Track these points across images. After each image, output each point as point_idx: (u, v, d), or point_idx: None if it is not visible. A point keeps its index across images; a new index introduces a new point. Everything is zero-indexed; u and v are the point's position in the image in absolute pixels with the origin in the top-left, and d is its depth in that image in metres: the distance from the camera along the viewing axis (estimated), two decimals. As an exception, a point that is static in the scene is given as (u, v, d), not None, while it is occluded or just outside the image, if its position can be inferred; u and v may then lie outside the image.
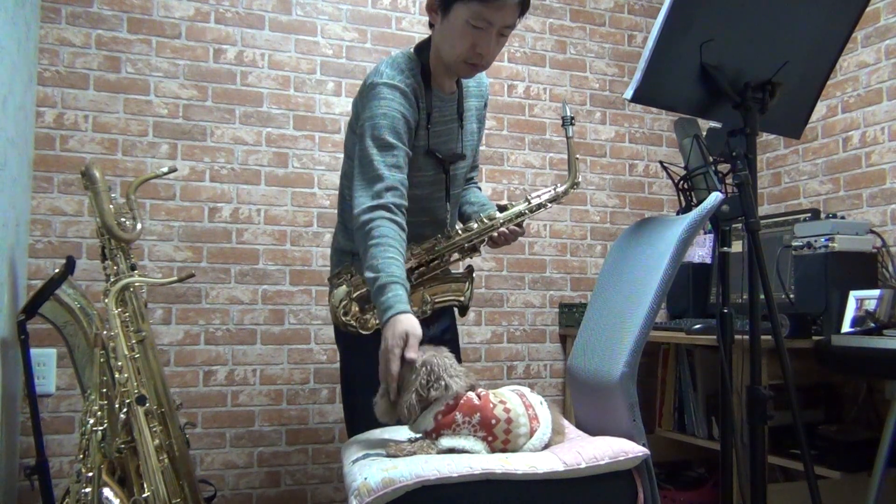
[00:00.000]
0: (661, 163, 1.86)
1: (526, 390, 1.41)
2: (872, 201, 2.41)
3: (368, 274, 1.48)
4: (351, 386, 1.77)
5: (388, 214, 1.51)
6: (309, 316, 2.50)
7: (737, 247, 1.73)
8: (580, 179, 1.80)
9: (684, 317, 2.67)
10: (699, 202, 1.49)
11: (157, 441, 1.73)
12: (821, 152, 2.62)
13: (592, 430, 1.48)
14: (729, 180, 1.55)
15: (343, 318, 1.62)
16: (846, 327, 2.03)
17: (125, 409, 1.71)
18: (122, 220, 1.90)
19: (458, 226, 1.73)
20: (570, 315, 2.74)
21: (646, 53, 1.48)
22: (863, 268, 2.23)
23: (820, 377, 2.23)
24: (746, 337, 1.54)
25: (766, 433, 1.58)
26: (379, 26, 2.64)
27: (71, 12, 2.29)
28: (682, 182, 1.65)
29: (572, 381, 1.60)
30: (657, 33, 1.46)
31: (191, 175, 2.40)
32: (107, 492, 1.68)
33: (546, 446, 1.34)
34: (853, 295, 2.07)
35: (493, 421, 1.31)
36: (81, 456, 1.68)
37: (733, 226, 1.59)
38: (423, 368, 1.33)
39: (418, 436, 1.34)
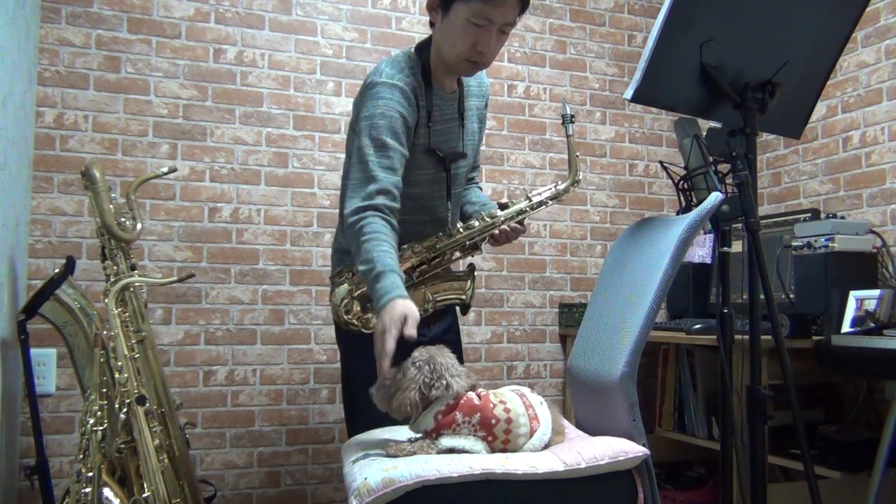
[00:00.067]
0: (661, 163, 1.86)
1: (526, 390, 1.41)
2: (872, 201, 2.41)
3: (363, 266, 1.49)
4: (352, 385, 1.77)
5: (378, 214, 1.52)
6: (309, 316, 2.50)
7: (737, 247, 1.73)
8: (581, 177, 1.80)
9: (684, 317, 2.67)
10: (699, 202, 1.49)
11: (157, 441, 1.74)
12: (821, 152, 2.62)
13: (592, 430, 1.48)
14: (729, 180, 1.55)
15: (345, 317, 1.62)
16: (846, 327, 2.03)
17: (125, 409, 1.71)
18: (122, 220, 1.90)
19: (460, 224, 1.73)
20: (570, 315, 2.74)
21: (646, 53, 1.48)
22: (863, 268, 2.23)
23: (820, 377, 2.23)
24: (746, 337, 1.54)
25: (766, 433, 1.58)
26: (379, 26, 2.64)
27: (71, 12, 2.29)
28: (682, 182, 1.65)
29: (572, 381, 1.60)
30: (657, 33, 1.46)
31: (191, 175, 2.40)
32: (107, 492, 1.68)
33: (546, 446, 1.34)
34: (853, 295, 2.07)
35: (494, 421, 1.31)
36: (81, 456, 1.68)
37: (733, 226, 1.59)
38: (426, 367, 1.33)
39: (418, 436, 1.34)
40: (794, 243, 2.29)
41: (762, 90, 1.54)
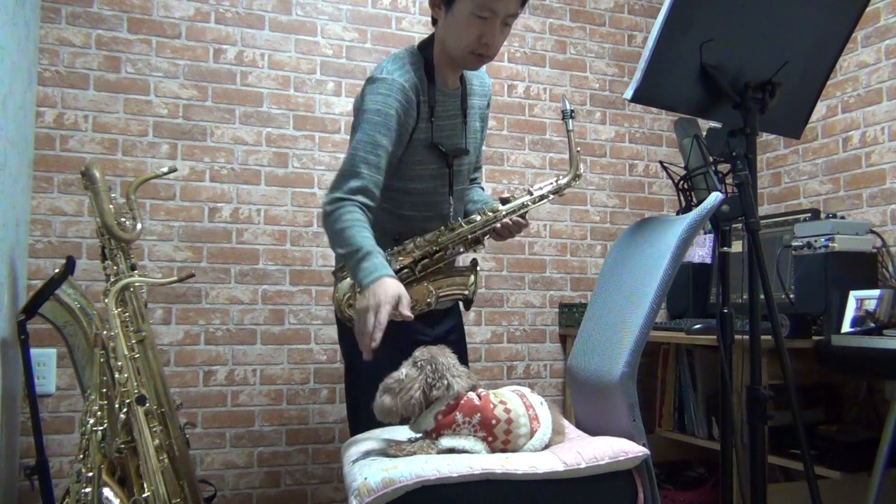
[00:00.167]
0: (661, 163, 1.86)
1: (526, 391, 1.41)
2: (872, 201, 2.41)
3: (344, 249, 1.52)
4: (355, 385, 1.77)
5: (356, 204, 1.55)
6: (309, 316, 2.50)
7: (737, 247, 1.73)
8: (582, 171, 1.80)
9: (684, 317, 2.67)
10: (699, 202, 1.49)
11: (157, 441, 1.74)
12: (821, 152, 2.62)
13: (592, 430, 1.48)
14: (729, 180, 1.55)
15: (347, 312, 1.62)
16: (846, 327, 2.03)
17: (125, 409, 1.71)
18: (122, 220, 1.90)
19: (461, 219, 1.74)
20: (570, 315, 2.74)
21: (646, 53, 1.48)
22: (863, 268, 2.23)
23: (820, 377, 2.24)
24: (746, 337, 1.54)
25: (766, 433, 1.58)
26: (379, 26, 2.64)
27: (71, 12, 2.29)
28: (682, 182, 1.65)
29: (572, 381, 1.60)
30: (657, 33, 1.46)
31: (191, 175, 2.40)
32: (107, 492, 1.68)
33: (546, 446, 1.34)
34: (853, 295, 2.07)
35: (494, 421, 1.31)
36: (81, 456, 1.68)
37: (733, 226, 1.59)
38: (428, 367, 1.33)
39: (418, 436, 1.34)
40: (794, 243, 2.29)
41: (762, 90, 1.54)
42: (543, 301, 2.82)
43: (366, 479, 1.19)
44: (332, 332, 2.51)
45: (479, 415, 1.30)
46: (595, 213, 2.92)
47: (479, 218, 1.71)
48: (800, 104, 1.68)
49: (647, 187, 3.00)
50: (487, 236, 1.75)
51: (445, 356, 1.37)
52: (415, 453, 1.29)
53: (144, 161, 2.36)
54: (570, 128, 1.75)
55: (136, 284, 1.85)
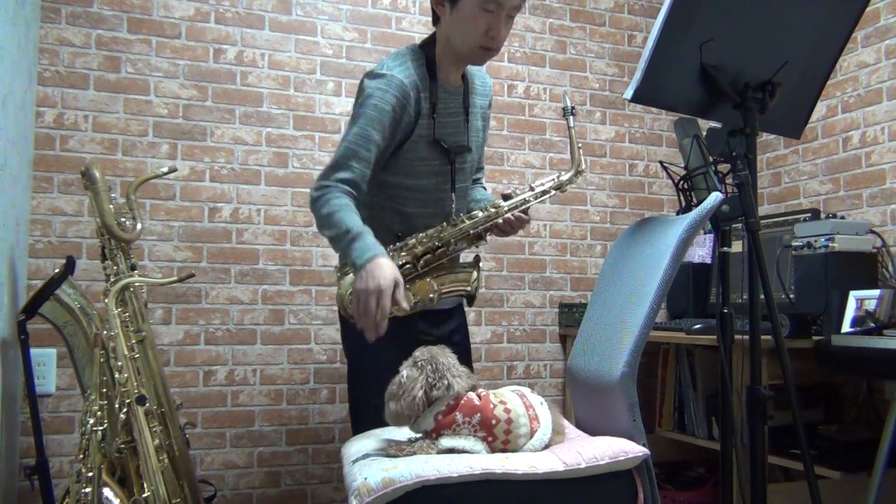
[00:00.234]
0: (661, 163, 1.86)
1: (526, 391, 1.41)
2: (872, 201, 2.41)
3: (333, 231, 1.56)
4: (357, 382, 1.77)
5: (342, 192, 1.60)
6: (309, 316, 2.50)
7: (737, 247, 1.73)
8: (584, 167, 1.80)
9: (684, 317, 2.67)
10: (699, 202, 1.49)
11: (157, 441, 1.74)
12: (821, 152, 2.62)
13: (592, 430, 1.48)
14: (729, 180, 1.55)
15: (350, 308, 1.63)
16: (846, 327, 2.03)
17: (125, 409, 1.71)
18: (122, 220, 1.90)
19: (463, 214, 1.74)
20: (570, 315, 2.74)
21: (646, 53, 1.48)
22: (863, 268, 2.23)
23: (820, 377, 2.23)
24: (746, 337, 1.54)
25: (766, 433, 1.58)
26: (379, 26, 2.64)
27: (71, 12, 2.29)
28: (682, 182, 1.65)
29: (572, 381, 1.60)
30: (657, 33, 1.46)
31: (191, 175, 2.40)
32: (107, 492, 1.68)
33: (546, 446, 1.34)
34: (853, 295, 2.07)
35: (494, 421, 1.31)
36: (81, 456, 1.68)
37: (733, 226, 1.59)
38: (428, 367, 1.34)
39: (418, 436, 1.34)
40: (794, 243, 2.29)
41: (762, 90, 1.54)
42: (543, 301, 2.82)
43: (366, 479, 1.19)
44: (332, 332, 2.51)
45: (479, 415, 1.31)
46: (595, 213, 2.92)
47: (480, 214, 1.72)
48: (800, 104, 1.68)
49: (647, 187, 3.00)
50: (490, 233, 1.75)
51: (446, 356, 1.37)
52: (415, 453, 1.29)
53: (144, 161, 2.36)
54: (572, 124, 1.75)
55: (136, 284, 1.85)
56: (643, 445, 1.31)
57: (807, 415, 2.21)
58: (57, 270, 1.80)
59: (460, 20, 1.64)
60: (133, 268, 1.89)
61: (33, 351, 1.84)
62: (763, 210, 2.81)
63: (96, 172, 1.86)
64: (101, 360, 1.73)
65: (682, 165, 1.67)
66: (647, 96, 1.52)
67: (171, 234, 2.37)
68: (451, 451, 1.29)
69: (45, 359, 2.19)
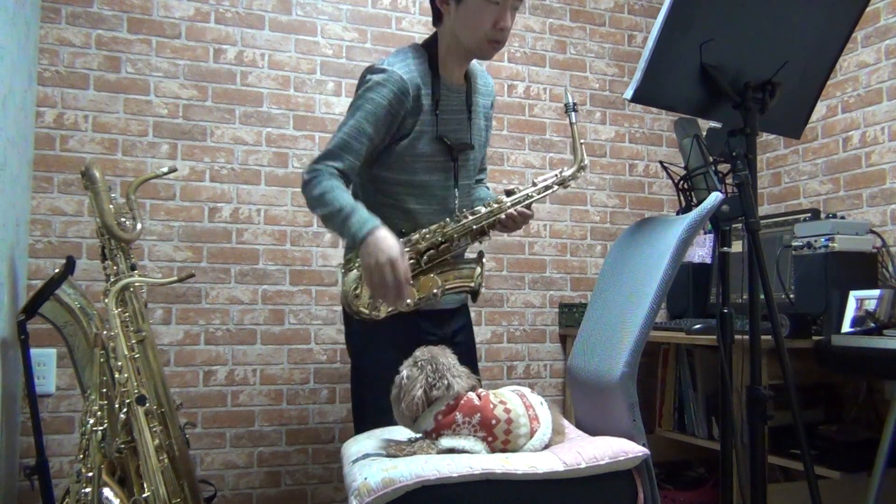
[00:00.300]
0: (661, 163, 1.86)
1: (526, 391, 1.41)
2: (872, 201, 2.41)
3: (325, 210, 1.59)
4: (361, 381, 1.77)
5: (333, 175, 1.63)
6: (309, 316, 2.50)
7: (737, 247, 1.73)
8: (587, 163, 1.80)
9: (684, 317, 2.67)
10: (699, 202, 1.49)
11: (157, 441, 1.74)
12: (821, 152, 2.62)
13: (592, 430, 1.48)
14: (729, 180, 1.55)
15: (355, 302, 1.63)
16: (846, 327, 2.03)
17: (125, 409, 1.71)
18: (122, 220, 1.90)
19: (466, 210, 1.74)
20: (570, 315, 2.74)
21: (646, 53, 1.48)
22: (863, 268, 2.23)
23: (820, 377, 2.23)
24: (746, 337, 1.54)
25: (766, 433, 1.58)
26: (379, 26, 2.64)
27: (71, 12, 2.29)
28: (682, 182, 1.65)
29: (572, 381, 1.60)
30: (657, 33, 1.46)
31: (191, 175, 2.40)
32: (107, 492, 1.68)
33: (546, 446, 1.34)
34: (853, 295, 2.07)
35: (494, 421, 1.31)
36: (81, 456, 1.68)
37: (733, 226, 1.59)
38: (428, 367, 1.34)
39: (418, 436, 1.34)
40: (794, 243, 2.29)
41: (762, 90, 1.54)
42: (543, 301, 2.82)
43: (366, 479, 1.19)
44: (333, 332, 2.51)
45: (478, 415, 1.31)
46: (595, 213, 2.92)
47: (483, 209, 1.72)
48: (800, 104, 1.68)
49: (647, 187, 3.00)
50: (493, 228, 1.75)
51: (446, 356, 1.37)
52: (415, 453, 1.29)
53: (144, 161, 2.36)
54: (574, 120, 1.75)
55: (136, 284, 1.85)
56: (643, 445, 1.31)
57: (807, 415, 2.20)
58: (57, 270, 1.80)
59: (467, 15, 1.66)
60: (133, 268, 1.89)
61: (33, 351, 1.85)
62: (763, 210, 2.81)
63: (96, 172, 1.86)
64: (101, 360, 1.73)
65: (682, 165, 1.67)
66: (647, 96, 1.52)
67: (171, 234, 2.37)
68: (451, 451, 1.29)
69: (45, 359, 2.19)
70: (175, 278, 1.93)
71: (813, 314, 2.14)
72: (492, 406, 1.32)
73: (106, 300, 1.78)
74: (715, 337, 1.68)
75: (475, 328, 2.69)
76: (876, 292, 2.03)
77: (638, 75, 1.49)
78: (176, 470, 1.81)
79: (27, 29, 2.08)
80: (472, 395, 1.34)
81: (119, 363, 1.72)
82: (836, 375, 2.24)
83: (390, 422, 1.47)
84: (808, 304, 2.19)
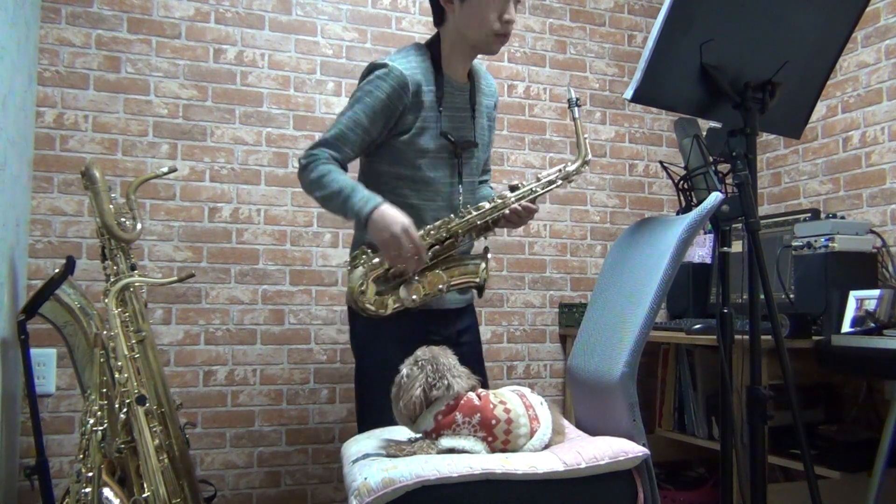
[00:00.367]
0: (661, 163, 1.86)
1: (526, 391, 1.41)
2: (872, 201, 2.41)
3: (324, 192, 1.65)
4: (364, 379, 1.78)
5: (329, 159, 1.69)
6: (309, 316, 2.50)
7: (737, 247, 1.73)
8: (591, 157, 1.80)
9: (684, 317, 2.67)
10: (699, 202, 1.49)
11: (157, 441, 1.73)
12: (821, 152, 2.62)
13: (592, 430, 1.48)
14: (729, 180, 1.55)
15: (361, 298, 1.64)
16: (846, 327, 2.03)
17: (125, 409, 1.71)
18: (122, 220, 1.90)
19: (470, 206, 1.76)
20: (570, 315, 2.74)
21: (646, 53, 1.48)
22: (863, 268, 2.23)
23: (820, 377, 2.23)
24: (746, 337, 1.54)
25: (766, 433, 1.58)
26: (379, 26, 2.64)
27: (71, 12, 2.29)
28: (682, 182, 1.65)
29: (572, 381, 1.60)
30: (657, 33, 1.46)
31: (191, 175, 2.40)
32: (107, 492, 1.68)
33: (546, 446, 1.34)
34: (853, 295, 2.07)
35: (494, 421, 1.31)
36: (81, 456, 1.68)
37: (733, 226, 1.59)
38: (429, 366, 1.34)
39: (418, 436, 1.34)
40: (794, 243, 2.29)
41: (762, 90, 1.54)
42: (543, 301, 2.82)
43: (366, 479, 1.19)
44: (333, 332, 2.51)
45: (478, 415, 1.31)
46: (595, 213, 2.92)
47: (488, 205, 1.73)
48: (800, 104, 1.68)
49: (647, 187, 3.00)
50: (499, 224, 1.76)
51: (447, 356, 1.37)
52: (415, 453, 1.29)
53: (144, 161, 2.36)
54: (577, 115, 1.76)
55: (136, 284, 1.85)
56: (643, 445, 1.31)
57: (807, 415, 2.21)
58: (57, 270, 1.80)
59: (472, 11, 1.69)
60: (133, 268, 1.89)
61: (33, 351, 1.85)
62: (763, 210, 2.81)
63: (96, 172, 1.86)
64: (101, 360, 1.73)
65: (682, 165, 1.67)
66: (647, 96, 1.52)
67: (171, 234, 2.37)
68: (451, 451, 1.29)
69: (45, 359, 2.19)
70: (175, 278, 1.93)
71: (813, 314, 2.14)
72: (492, 406, 1.32)
73: (106, 300, 1.78)
74: (715, 337, 1.68)
75: (475, 328, 2.71)
76: (876, 292, 2.03)
77: (638, 75, 1.49)
78: (176, 470, 1.81)
79: (27, 29, 2.08)
80: (471, 395, 1.34)
81: (119, 363, 1.72)
82: (836, 375, 2.24)
83: (393, 421, 1.47)
84: (808, 304, 2.19)
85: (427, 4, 1.82)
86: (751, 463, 1.52)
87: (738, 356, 1.65)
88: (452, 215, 1.72)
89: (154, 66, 2.38)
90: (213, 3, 2.45)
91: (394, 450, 1.32)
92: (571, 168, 1.77)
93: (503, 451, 1.31)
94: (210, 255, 2.41)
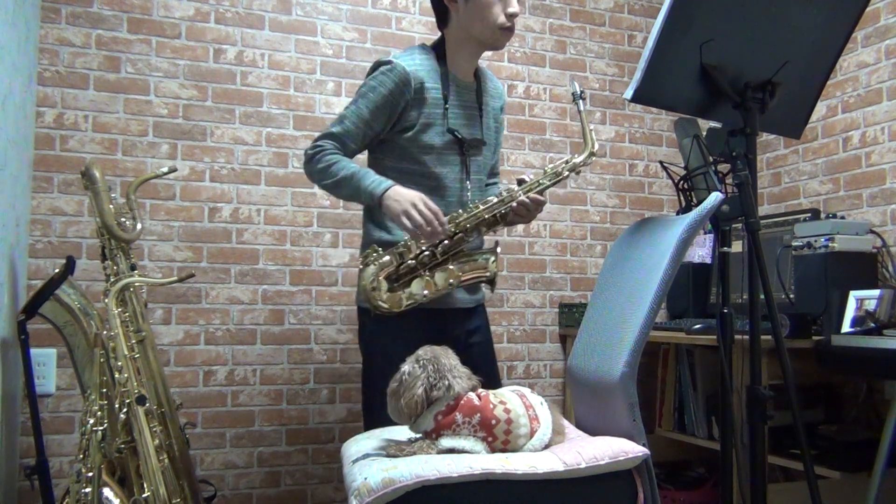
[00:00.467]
0: (661, 163, 1.86)
1: (526, 391, 1.41)
2: (872, 201, 2.41)
3: (333, 179, 1.71)
4: (371, 377, 1.78)
5: (335, 151, 1.75)
6: (309, 316, 2.50)
7: (737, 247, 1.73)
8: (597, 149, 1.81)
9: (684, 317, 2.67)
10: (699, 202, 1.49)
11: (157, 441, 1.73)
12: (821, 152, 2.62)
13: (592, 430, 1.48)
14: (729, 180, 1.55)
15: (374, 295, 1.65)
16: (846, 327, 2.03)
17: (125, 409, 1.71)
18: (122, 220, 1.90)
19: (478, 200, 1.77)
20: (570, 315, 2.74)
21: (646, 53, 1.48)
22: (863, 268, 2.23)
23: (820, 377, 2.23)
24: (746, 337, 1.54)
25: (766, 433, 1.58)
26: (379, 26, 2.64)
27: (71, 12, 2.29)
28: (682, 182, 1.65)
29: (572, 381, 1.60)
30: (657, 33, 1.46)
31: (191, 175, 2.40)
32: (107, 492, 1.68)
33: (546, 446, 1.34)
34: (853, 295, 2.07)
35: (494, 421, 1.31)
36: (81, 456, 1.68)
37: (733, 226, 1.59)
38: (430, 366, 1.34)
39: (418, 436, 1.34)
40: (794, 243, 2.29)
41: (762, 90, 1.54)
42: (543, 301, 2.82)
43: (366, 479, 1.19)
44: (333, 332, 2.51)
45: (478, 415, 1.30)
46: (595, 213, 2.92)
47: (495, 199, 1.74)
48: (800, 104, 1.68)
49: (647, 187, 3.00)
50: (507, 220, 1.77)
51: (448, 357, 1.37)
52: (415, 453, 1.29)
53: (144, 161, 2.36)
54: (581, 108, 1.78)
55: (136, 284, 1.85)
56: (643, 445, 1.31)
57: (807, 415, 2.20)
58: (57, 270, 1.80)
59: (477, 7, 1.73)
60: (133, 268, 1.89)
61: (33, 351, 1.85)
62: (763, 210, 2.81)
63: (96, 172, 1.86)
64: (101, 360, 1.73)
65: (682, 165, 1.67)
66: (647, 96, 1.52)
67: (171, 234, 2.37)
68: (451, 451, 1.28)
69: (45, 359, 2.19)
70: (175, 278, 1.93)
71: (813, 314, 2.14)
72: (492, 406, 1.32)
73: (106, 300, 1.78)
74: (715, 337, 1.68)
75: (475, 328, 2.70)
76: (876, 292, 2.03)
77: (638, 75, 1.49)
78: (176, 470, 1.81)
79: (27, 29, 2.08)
80: (471, 395, 1.34)
81: (119, 363, 1.72)
82: (836, 375, 2.24)
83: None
84: (808, 304, 2.19)
85: (427, 4, 1.83)
86: (751, 463, 1.52)
87: (738, 356, 1.66)
88: (461, 210, 1.74)
89: (154, 66, 2.38)
90: (213, 3, 2.45)
91: (394, 450, 1.32)
92: (579, 159, 1.78)
93: (503, 451, 1.31)
94: (210, 255, 2.41)
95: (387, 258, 1.68)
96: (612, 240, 2.90)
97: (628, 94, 1.50)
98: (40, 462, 1.78)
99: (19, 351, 1.81)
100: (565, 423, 1.50)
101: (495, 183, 2.02)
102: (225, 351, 2.40)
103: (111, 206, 1.86)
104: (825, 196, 2.59)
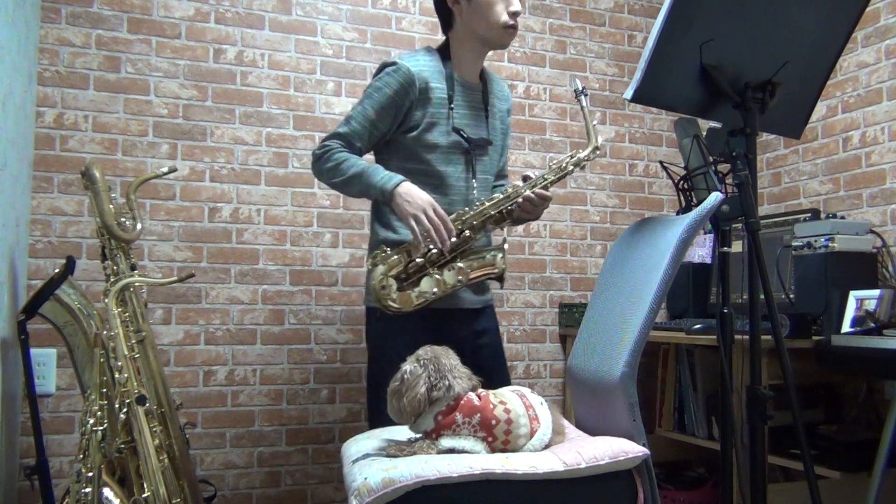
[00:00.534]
0: (661, 163, 1.87)
1: (526, 391, 1.41)
2: (872, 201, 2.41)
3: (350, 174, 1.72)
4: (378, 376, 1.78)
5: (343, 149, 1.77)
6: (309, 316, 2.50)
7: (737, 247, 1.73)
8: (601, 144, 1.82)
9: (684, 317, 2.67)
10: (699, 202, 1.49)
11: (157, 441, 1.73)
12: (821, 152, 2.62)
13: (592, 430, 1.48)
14: (729, 180, 1.55)
15: (383, 294, 1.67)
16: (846, 327, 2.03)
17: (125, 409, 1.71)
18: (122, 220, 1.90)
19: (484, 198, 1.78)
20: (570, 315, 2.74)
21: (646, 53, 1.48)
22: (863, 268, 2.23)
23: (820, 377, 2.23)
24: (746, 337, 1.54)
25: (766, 433, 1.58)
26: (379, 26, 2.64)
27: (71, 12, 2.29)
28: (682, 182, 1.65)
29: (572, 381, 1.60)
30: (657, 33, 1.46)
31: (191, 175, 2.40)
32: (107, 492, 1.68)
33: (546, 446, 1.34)
34: (853, 295, 2.07)
35: (494, 421, 1.31)
36: (81, 456, 1.68)
37: (733, 226, 1.59)
38: (430, 366, 1.34)
39: (418, 436, 1.34)
40: (794, 243, 2.29)
41: (762, 90, 1.54)
42: (543, 301, 2.82)
43: (366, 479, 1.19)
44: (333, 332, 2.51)
45: (478, 415, 1.31)
46: (595, 213, 2.92)
47: (500, 196, 1.76)
48: (800, 104, 1.68)
49: (647, 187, 3.00)
50: (513, 216, 1.77)
51: (448, 357, 1.38)
52: (415, 453, 1.29)
53: (144, 161, 2.36)
54: (584, 104, 1.79)
55: (136, 284, 1.85)
56: (643, 445, 1.31)
57: (807, 415, 2.20)
58: (57, 270, 1.80)
59: (480, 6, 1.75)
60: (133, 268, 1.89)
61: (33, 351, 1.85)
62: (763, 210, 2.81)
63: (96, 172, 1.86)
64: (101, 360, 1.73)
65: (682, 165, 1.67)
66: (647, 96, 1.52)
67: (171, 234, 2.37)
68: (451, 451, 1.29)
69: (45, 359, 2.19)
70: (175, 278, 1.93)
71: (813, 314, 2.14)
72: (492, 406, 1.32)
73: (106, 300, 1.78)
74: (715, 337, 1.68)
75: (475, 328, 2.70)
76: (876, 292, 2.03)
77: (638, 75, 1.49)
78: (176, 470, 1.81)
79: (27, 29, 2.08)
80: (471, 395, 1.34)
81: (119, 363, 1.72)
82: (836, 375, 2.24)
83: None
84: (808, 304, 2.19)
85: (427, 4, 1.84)
86: (751, 463, 1.52)
87: (738, 356, 1.66)
88: (467, 208, 1.76)
89: (154, 66, 2.38)
90: (213, 3, 2.45)
91: (394, 450, 1.32)
92: (583, 154, 1.79)
93: (503, 451, 1.31)
94: (210, 255, 2.41)
95: (395, 257, 1.69)
96: (612, 240, 2.90)
97: (628, 94, 1.50)
98: (40, 462, 1.78)
99: (19, 351, 1.81)
100: (565, 423, 1.50)
101: (502, 185, 2.03)
102: (225, 351, 2.40)
103: (111, 206, 1.86)
104: (825, 196, 2.59)
